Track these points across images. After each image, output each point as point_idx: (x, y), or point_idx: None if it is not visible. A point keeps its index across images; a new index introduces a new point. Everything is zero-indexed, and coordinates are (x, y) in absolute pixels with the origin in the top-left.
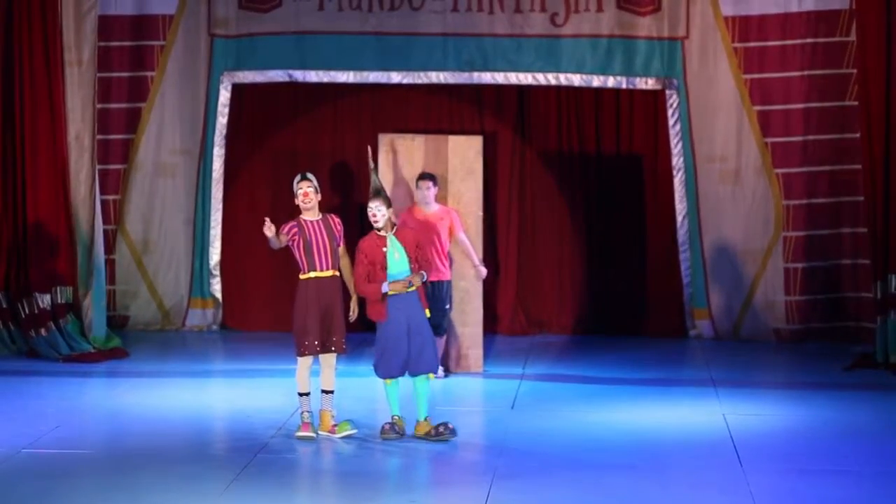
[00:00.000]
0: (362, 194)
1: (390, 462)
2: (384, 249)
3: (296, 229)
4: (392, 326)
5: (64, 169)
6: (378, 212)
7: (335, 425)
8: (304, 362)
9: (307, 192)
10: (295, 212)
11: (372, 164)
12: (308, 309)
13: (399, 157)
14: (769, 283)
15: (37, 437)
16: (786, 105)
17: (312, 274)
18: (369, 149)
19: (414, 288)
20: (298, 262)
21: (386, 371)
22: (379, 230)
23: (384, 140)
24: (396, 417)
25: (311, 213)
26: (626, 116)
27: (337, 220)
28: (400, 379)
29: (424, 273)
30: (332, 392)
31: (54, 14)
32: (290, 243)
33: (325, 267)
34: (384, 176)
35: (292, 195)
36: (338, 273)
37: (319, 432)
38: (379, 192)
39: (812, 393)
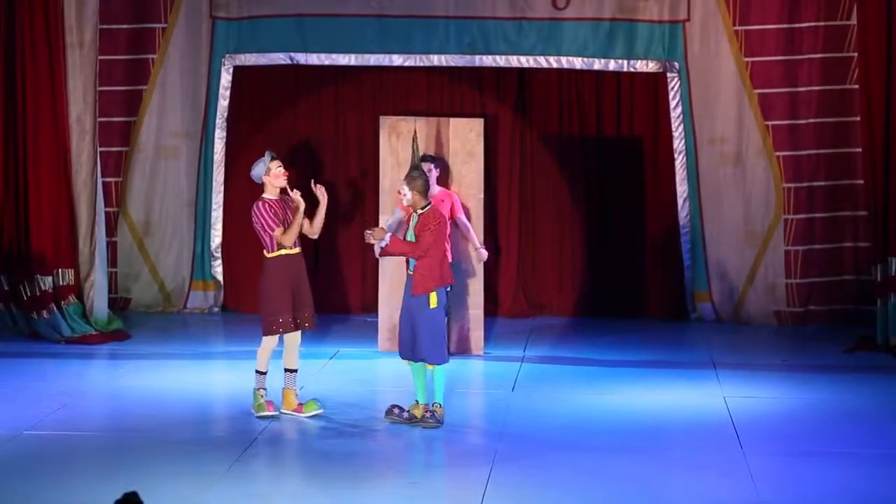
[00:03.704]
0: (363, 176)
1: (391, 444)
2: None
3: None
4: (401, 307)
5: (65, 151)
6: (402, 189)
7: (301, 404)
8: (271, 342)
9: (287, 172)
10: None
11: (414, 144)
12: (281, 287)
13: (400, 139)
14: (770, 266)
15: (39, 418)
16: (786, 88)
17: (283, 252)
18: (415, 130)
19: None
20: (267, 243)
21: (400, 352)
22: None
23: (385, 123)
24: (415, 402)
25: (277, 192)
26: (626, 99)
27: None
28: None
29: (386, 238)
30: (296, 371)
31: None
32: (261, 224)
33: (296, 244)
34: (385, 160)
35: (266, 177)
36: (300, 250)
37: (282, 411)
38: (410, 173)
39: (812, 375)
